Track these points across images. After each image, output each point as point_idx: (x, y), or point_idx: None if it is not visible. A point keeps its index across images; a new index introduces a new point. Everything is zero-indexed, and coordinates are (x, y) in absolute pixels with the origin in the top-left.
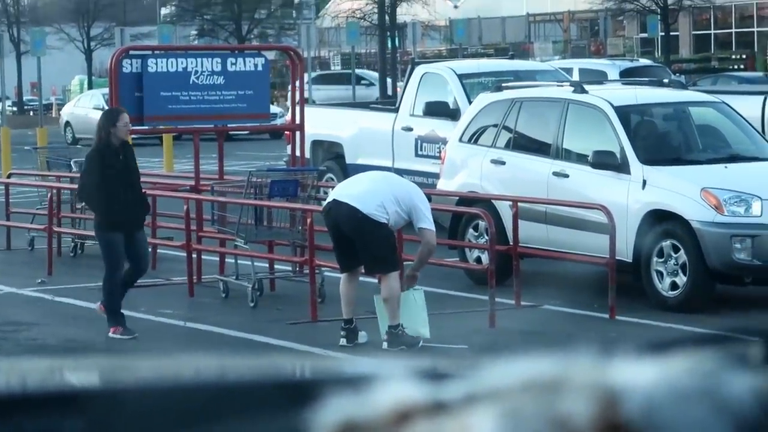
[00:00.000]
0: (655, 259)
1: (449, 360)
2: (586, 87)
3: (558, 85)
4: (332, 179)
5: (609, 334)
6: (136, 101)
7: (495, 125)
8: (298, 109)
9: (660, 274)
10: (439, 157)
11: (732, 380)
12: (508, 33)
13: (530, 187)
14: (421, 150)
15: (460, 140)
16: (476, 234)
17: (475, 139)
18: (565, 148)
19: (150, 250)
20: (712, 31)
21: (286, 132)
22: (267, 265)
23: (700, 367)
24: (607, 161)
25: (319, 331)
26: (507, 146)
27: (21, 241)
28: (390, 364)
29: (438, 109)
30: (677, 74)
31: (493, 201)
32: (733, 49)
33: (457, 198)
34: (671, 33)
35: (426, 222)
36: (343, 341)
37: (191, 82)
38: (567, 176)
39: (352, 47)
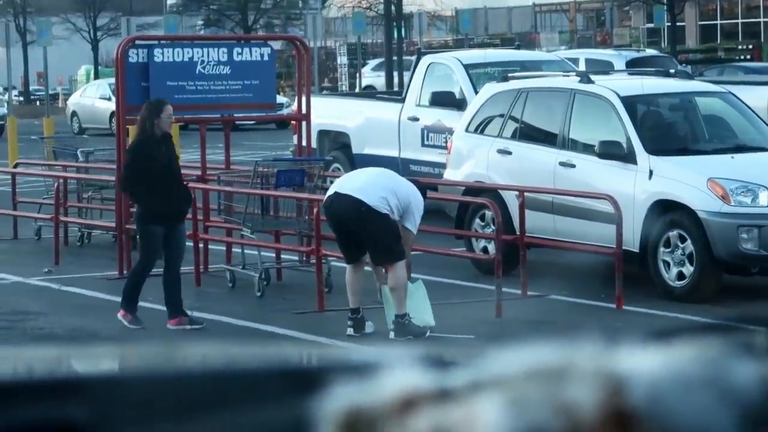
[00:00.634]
0: (661, 249)
1: (455, 349)
2: (593, 77)
3: (564, 75)
4: (339, 169)
5: (615, 324)
6: (143, 91)
7: (501, 115)
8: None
9: (667, 263)
10: (445, 147)
11: (737, 368)
12: (514, 23)
13: (537, 177)
14: (428, 140)
15: (467, 130)
16: (483, 224)
17: (481, 129)
18: (571, 138)
19: None
20: (719, 22)
21: (292, 122)
22: (274, 254)
23: (706, 354)
24: (613, 151)
25: (325, 321)
26: (513, 136)
27: (28, 230)
28: (395, 353)
29: (444, 99)
30: (683, 64)
31: (500, 191)
32: (740, 39)
33: (464, 188)
34: (677, 23)
35: (412, 225)
36: (350, 331)
37: (197, 72)
38: (573, 166)
39: (358, 37)
